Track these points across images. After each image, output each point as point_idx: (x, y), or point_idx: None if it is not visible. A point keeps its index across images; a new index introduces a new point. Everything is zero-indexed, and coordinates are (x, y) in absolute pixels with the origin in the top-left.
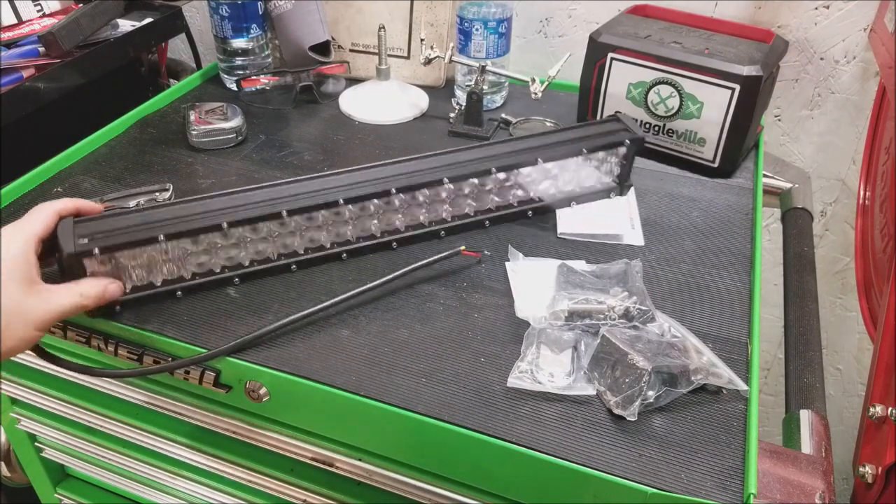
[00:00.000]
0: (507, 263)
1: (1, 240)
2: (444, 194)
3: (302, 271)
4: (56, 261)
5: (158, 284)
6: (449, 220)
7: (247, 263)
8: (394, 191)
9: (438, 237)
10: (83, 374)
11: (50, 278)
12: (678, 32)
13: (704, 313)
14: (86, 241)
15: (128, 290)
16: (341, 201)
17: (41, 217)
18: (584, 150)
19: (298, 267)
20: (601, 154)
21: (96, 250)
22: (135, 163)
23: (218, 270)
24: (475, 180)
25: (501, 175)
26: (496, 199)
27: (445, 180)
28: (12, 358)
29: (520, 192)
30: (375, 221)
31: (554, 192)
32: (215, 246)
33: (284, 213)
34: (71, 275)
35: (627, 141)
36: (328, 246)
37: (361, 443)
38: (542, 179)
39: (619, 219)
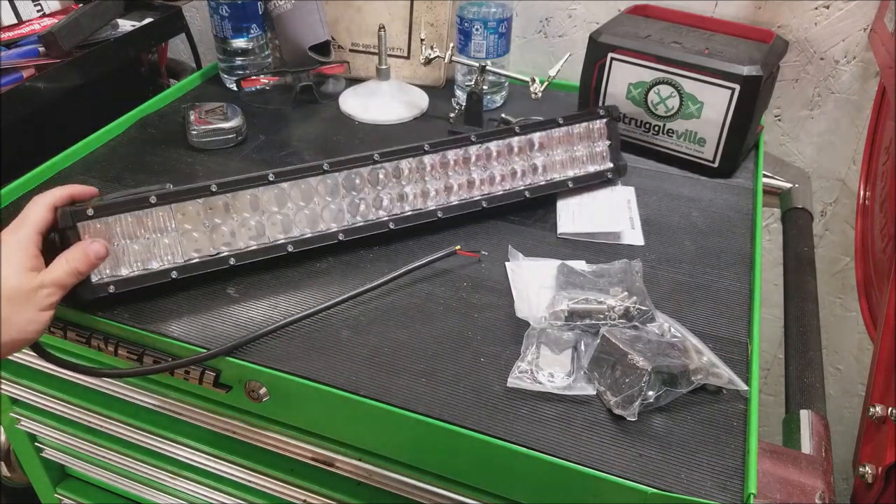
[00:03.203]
0: (507, 263)
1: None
2: (428, 164)
3: (300, 271)
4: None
5: (155, 268)
6: (444, 202)
7: (243, 245)
8: (377, 156)
9: (435, 218)
10: (84, 375)
11: None
12: (678, 32)
13: (704, 313)
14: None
15: (126, 274)
16: (326, 166)
17: (36, 210)
18: (561, 121)
19: (295, 248)
20: (582, 128)
21: (90, 210)
22: (135, 163)
23: (215, 252)
24: (460, 151)
25: (492, 147)
26: (494, 174)
27: (426, 146)
28: (12, 358)
29: (516, 173)
30: (363, 207)
31: (551, 175)
32: (208, 216)
33: (271, 176)
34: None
35: (601, 111)
36: (323, 228)
37: (361, 443)
38: (533, 157)
39: (619, 217)
